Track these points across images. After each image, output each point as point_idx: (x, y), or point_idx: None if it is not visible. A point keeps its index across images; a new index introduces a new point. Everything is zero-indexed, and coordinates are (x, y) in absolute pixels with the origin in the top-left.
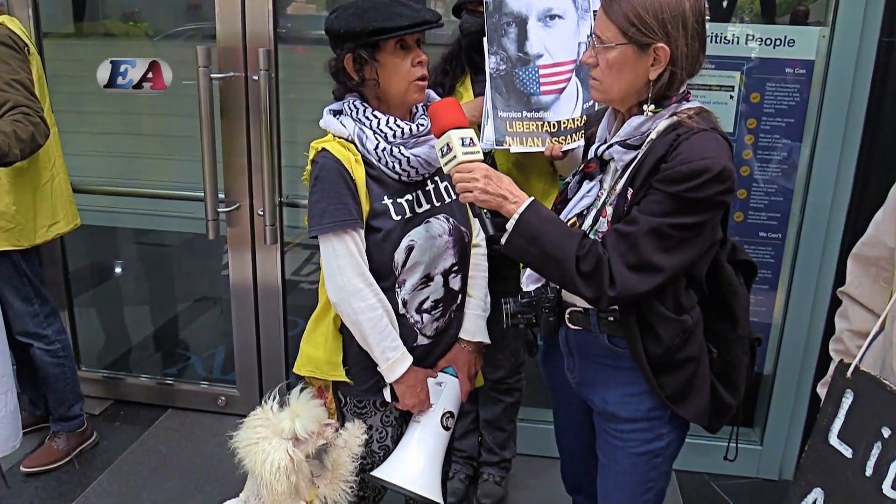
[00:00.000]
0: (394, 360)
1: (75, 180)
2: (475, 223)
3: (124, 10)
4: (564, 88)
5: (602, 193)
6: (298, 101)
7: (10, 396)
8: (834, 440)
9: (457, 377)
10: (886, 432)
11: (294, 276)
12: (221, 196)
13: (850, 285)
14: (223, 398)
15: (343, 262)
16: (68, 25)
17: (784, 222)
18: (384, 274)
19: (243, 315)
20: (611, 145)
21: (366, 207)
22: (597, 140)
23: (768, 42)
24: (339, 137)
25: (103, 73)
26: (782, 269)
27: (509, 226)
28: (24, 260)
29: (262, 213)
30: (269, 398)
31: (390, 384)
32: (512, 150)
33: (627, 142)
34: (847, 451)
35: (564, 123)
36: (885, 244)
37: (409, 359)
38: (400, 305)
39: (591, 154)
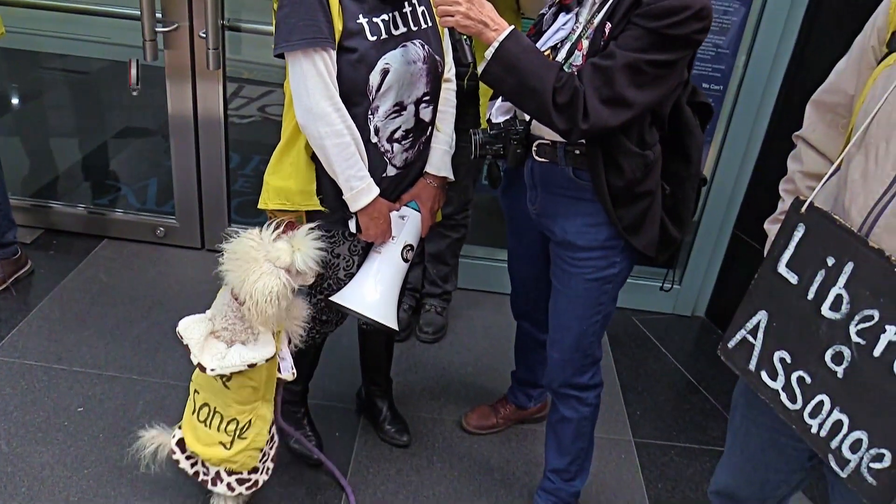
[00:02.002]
0: (358, 190)
1: None
2: (448, 53)
3: None
4: None
5: (578, 27)
6: None
7: None
8: (782, 269)
9: (419, 212)
10: (831, 261)
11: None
12: (158, 16)
13: (806, 130)
14: (161, 229)
15: (311, 83)
16: None
17: (727, 76)
18: (358, 98)
19: (183, 145)
20: None
21: (339, 27)
22: None
23: None
24: None
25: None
26: (719, 121)
27: (488, 54)
28: None
29: (203, 34)
30: (266, 228)
31: (355, 214)
32: None
33: None
34: (793, 278)
35: None
36: (846, 91)
37: (375, 190)
38: (372, 133)
39: None
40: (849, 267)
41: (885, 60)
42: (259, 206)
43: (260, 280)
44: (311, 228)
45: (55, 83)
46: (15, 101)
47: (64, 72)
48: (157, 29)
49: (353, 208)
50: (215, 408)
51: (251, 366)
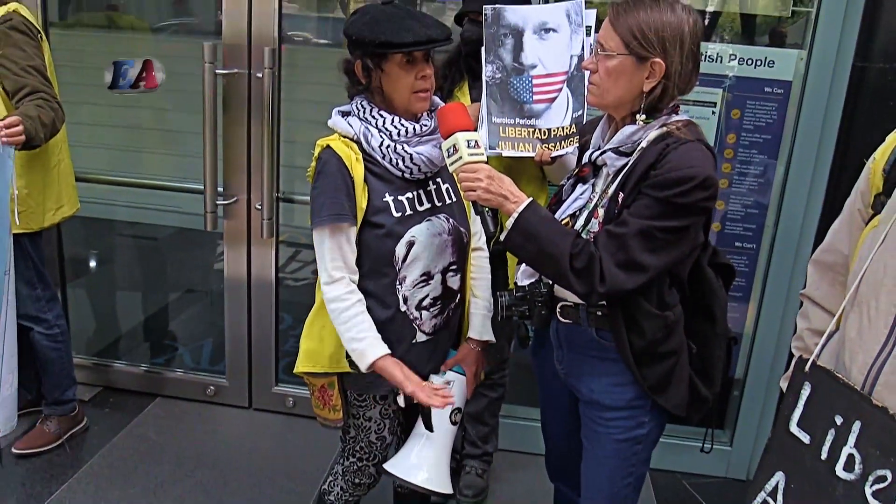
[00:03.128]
0: (359, 351)
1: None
2: (473, 224)
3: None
4: (556, 98)
5: (594, 196)
6: (297, 102)
7: (14, 378)
8: (794, 428)
9: (463, 375)
10: (839, 420)
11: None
12: (220, 190)
13: (809, 288)
14: (212, 388)
15: (328, 254)
16: (67, 15)
17: (759, 234)
18: (386, 269)
19: (236, 307)
20: (604, 151)
21: (362, 204)
22: (591, 147)
23: (749, 62)
24: (345, 137)
25: (108, 75)
26: (755, 278)
27: (509, 224)
28: (31, 243)
29: (259, 207)
30: None
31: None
32: (504, 155)
33: (620, 149)
34: (805, 438)
35: (554, 131)
36: (841, 251)
37: (374, 353)
38: (401, 302)
39: (585, 159)
40: (857, 426)
41: (871, 222)
42: (294, 372)
43: None
44: None
45: (126, 248)
46: (92, 264)
47: (134, 238)
48: (217, 202)
49: (361, 367)
50: None
51: None
